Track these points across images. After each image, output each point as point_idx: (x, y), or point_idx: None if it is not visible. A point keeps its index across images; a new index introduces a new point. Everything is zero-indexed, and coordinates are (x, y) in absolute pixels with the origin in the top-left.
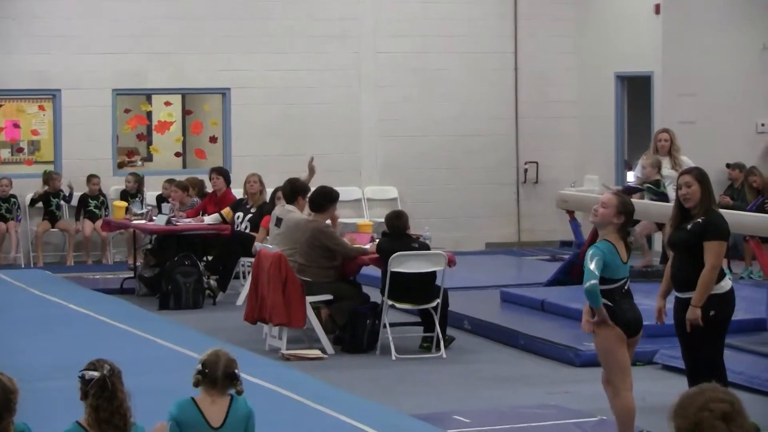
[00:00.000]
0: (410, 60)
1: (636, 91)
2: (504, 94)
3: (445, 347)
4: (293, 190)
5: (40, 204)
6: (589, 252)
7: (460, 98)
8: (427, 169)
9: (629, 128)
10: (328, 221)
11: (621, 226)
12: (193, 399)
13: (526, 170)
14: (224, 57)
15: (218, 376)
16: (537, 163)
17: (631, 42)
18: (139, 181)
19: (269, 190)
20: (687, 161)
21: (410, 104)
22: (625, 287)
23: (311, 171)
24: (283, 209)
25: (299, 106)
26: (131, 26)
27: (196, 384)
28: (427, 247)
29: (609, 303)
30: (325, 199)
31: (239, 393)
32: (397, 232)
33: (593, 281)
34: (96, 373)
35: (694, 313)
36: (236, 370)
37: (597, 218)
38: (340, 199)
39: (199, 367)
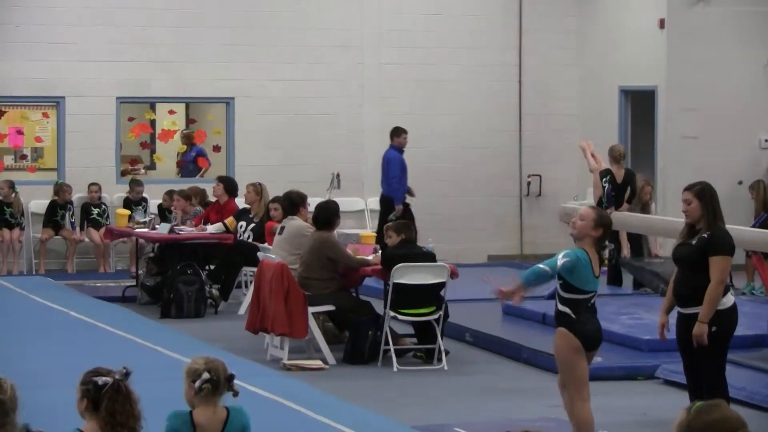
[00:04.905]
0: (413, 71)
1: (640, 105)
2: (507, 106)
3: (438, 360)
4: (292, 203)
5: (41, 211)
6: (565, 251)
7: (463, 110)
8: (429, 181)
9: (632, 142)
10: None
11: (597, 240)
12: (191, 414)
13: (528, 183)
14: (228, 66)
15: (221, 380)
16: (540, 176)
17: (635, 56)
18: (140, 186)
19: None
20: None
21: (413, 116)
22: (592, 301)
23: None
24: (287, 219)
25: (303, 116)
26: (135, 34)
27: (206, 394)
28: (434, 255)
29: (572, 314)
30: (334, 214)
31: (236, 394)
32: (406, 239)
33: (546, 268)
34: (108, 378)
35: (700, 329)
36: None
37: (575, 231)
38: (344, 210)
39: (206, 375)
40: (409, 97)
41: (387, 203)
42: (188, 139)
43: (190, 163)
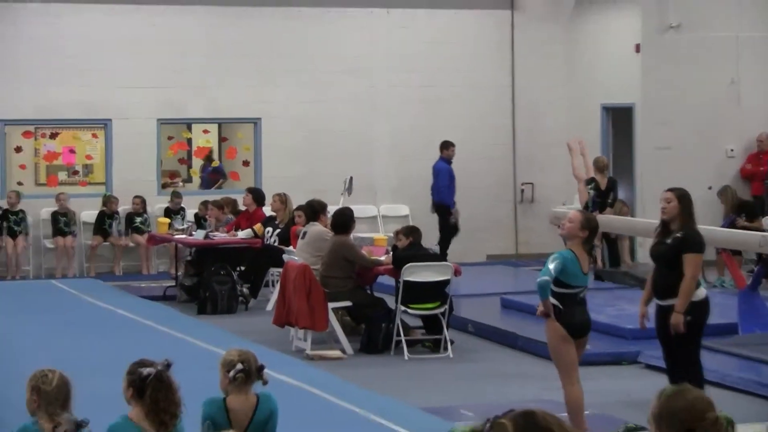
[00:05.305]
0: (418, 92)
1: (619, 120)
2: (502, 122)
3: (444, 349)
4: (313, 211)
5: (91, 221)
6: (553, 255)
7: (463, 126)
8: None
9: (614, 153)
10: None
11: (585, 240)
12: (224, 400)
13: (522, 190)
14: (255, 90)
15: (253, 370)
16: (532, 183)
17: (614, 77)
18: (179, 198)
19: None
20: None
21: (419, 131)
22: (581, 295)
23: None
24: (309, 225)
25: (321, 133)
26: (173, 63)
27: (240, 383)
28: (439, 256)
29: (560, 306)
30: (350, 219)
31: (265, 382)
32: (414, 242)
33: (546, 278)
34: (152, 369)
35: (677, 319)
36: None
37: (564, 231)
38: (358, 216)
39: (240, 366)
40: (415, 115)
41: (440, 209)
42: (208, 157)
43: (207, 176)
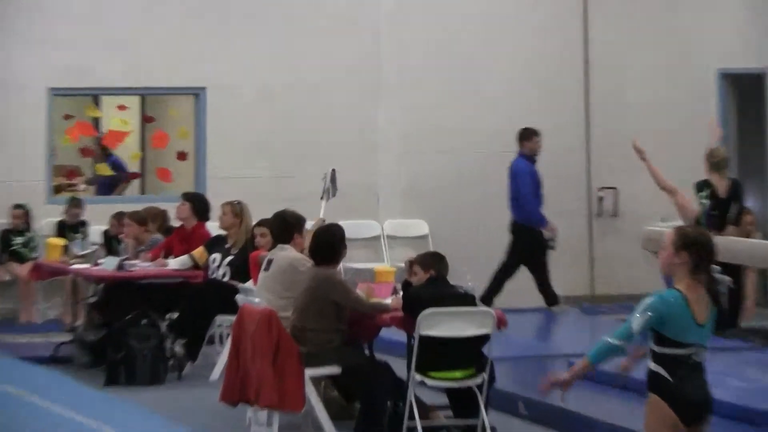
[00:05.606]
0: (442, 57)
1: (746, 93)
2: (569, 102)
3: None
4: (284, 227)
5: None
6: (647, 300)
7: (510, 107)
8: (465, 197)
9: (738, 142)
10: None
11: (693, 268)
12: None
13: (600, 199)
14: (199, 48)
15: None
16: (615, 189)
17: (736, 32)
18: (79, 207)
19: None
20: None
21: (443, 113)
22: (695, 358)
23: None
24: (276, 249)
25: (298, 113)
26: (75, 7)
27: None
28: (474, 298)
29: (667, 375)
30: (338, 242)
31: None
32: (436, 276)
33: (616, 342)
34: None
35: None
36: None
37: (660, 266)
38: (352, 237)
39: None
40: (439, 87)
41: (521, 232)
42: (104, 150)
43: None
